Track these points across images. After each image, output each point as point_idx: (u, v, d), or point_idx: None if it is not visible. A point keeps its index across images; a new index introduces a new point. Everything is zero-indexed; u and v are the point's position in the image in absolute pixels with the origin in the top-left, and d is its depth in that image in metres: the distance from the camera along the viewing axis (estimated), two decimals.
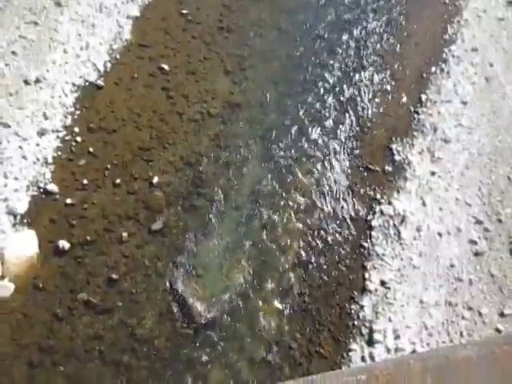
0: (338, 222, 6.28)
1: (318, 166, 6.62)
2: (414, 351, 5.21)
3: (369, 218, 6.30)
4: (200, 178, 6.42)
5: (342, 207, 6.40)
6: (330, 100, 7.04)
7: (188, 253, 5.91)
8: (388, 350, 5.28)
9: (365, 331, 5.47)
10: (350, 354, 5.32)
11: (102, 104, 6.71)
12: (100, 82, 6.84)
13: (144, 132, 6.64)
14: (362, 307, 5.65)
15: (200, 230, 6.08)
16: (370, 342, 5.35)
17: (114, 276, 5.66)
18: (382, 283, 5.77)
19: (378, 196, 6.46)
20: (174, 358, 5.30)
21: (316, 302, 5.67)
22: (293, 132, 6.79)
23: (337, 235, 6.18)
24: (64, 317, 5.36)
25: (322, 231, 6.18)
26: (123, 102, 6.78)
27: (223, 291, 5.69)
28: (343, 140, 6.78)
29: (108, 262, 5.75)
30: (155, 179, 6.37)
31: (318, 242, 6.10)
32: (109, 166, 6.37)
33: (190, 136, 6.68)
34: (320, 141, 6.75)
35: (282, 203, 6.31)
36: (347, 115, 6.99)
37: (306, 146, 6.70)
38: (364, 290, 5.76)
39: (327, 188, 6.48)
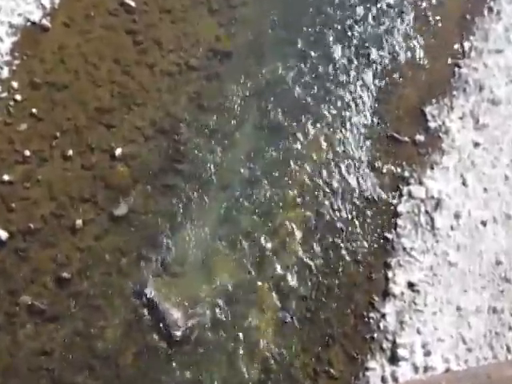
0: (354, 206, 6.27)
1: (330, 134, 6.57)
2: (447, 370, 5.27)
3: (394, 201, 6.31)
4: (177, 149, 6.36)
5: (360, 188, 6.36)
6: (345, 47, 6.95)
7: (161, 245, 5.88)
8: (415, 369, 5.34)
9: (386, 346, 5.52)
10: (368, 373, 5.37)
11: (49, 51, 6.56)
12: (46, 23, 6.69)
13: (103, 89, 6.55)
14: (383, 316, 5.69)
15: (176, 216, 6.03)
16: (393, 360, 5.42)
17: (66, 275, 5.65)
18: (410, 285, 5.80)
19: (407, 174, 6.44)
20: (143, 379, 5.31)
21: (325, 309, 5.69)
22: (296, 89, 6.70)
23: (352, 223, 6.17)
24: (1, 326, 5.33)
25: (333, 218, 6.17)
26: (76, 48, 6.65)
27: (206, 295, 5.69)
28: (362, 100, 6.68)
29: (58, 257, 5.71)
30: (118, 151, 6.30)
31: (327, 232, 6.10)
32: (58, 134, 6.28)
33: (164, 94, 6.60)
34: (332, 101, 6.68)
35: (283, 182, 6.27)
36: (368, 67, 6.90)
37: (312, 106, 6.62)
38: (386, 294, 5.78)
39: (341, 163, 6.47)
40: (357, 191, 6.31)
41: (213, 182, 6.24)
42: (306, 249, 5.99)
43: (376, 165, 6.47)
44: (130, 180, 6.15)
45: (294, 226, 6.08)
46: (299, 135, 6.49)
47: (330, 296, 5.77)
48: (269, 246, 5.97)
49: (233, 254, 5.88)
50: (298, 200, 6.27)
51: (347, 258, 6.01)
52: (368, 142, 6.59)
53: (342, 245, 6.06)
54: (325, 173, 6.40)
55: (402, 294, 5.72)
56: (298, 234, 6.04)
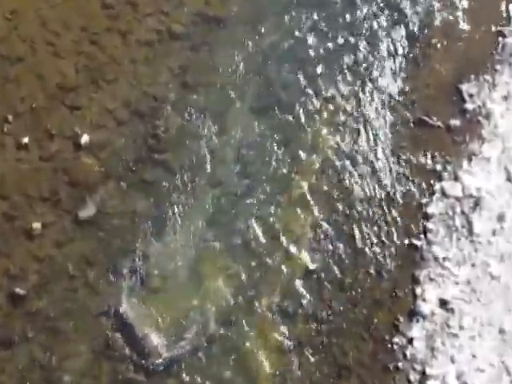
0: (375, 206, 6.08)
1: (343, 117, 6.39)
2: None
3: (423, 201, 6.10)
4: (156, 135, 6.22)
5: (381, 184, 6.17)
6: (364, 8, 6.77)
7: (137, 254, 5.73)
8: None
9: (414, 378, 5.36)
10: None
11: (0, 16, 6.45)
12: None
13: (67, 62, 6.37)
14: (410, 341, 5.51)
15: (156, 218, 5.89)
16: None
17: (20, 290, 5.47)
18: (442, 303, 5.66)
19: (439, 167, 6.25)
20: None
21: (338, 333, 5.52)
22: (302, 62, 6.55)
23: (372, 228, 5.99)
24: None
25: (348, 222, 5.98)
26: (34, 12, 6.49)
27: (194, 315, 5.53)
28: (385, 74, 6.51)
29: (10, 269, 5.53)
30: (84, 138, 6.12)
31: (341, 238, 5.94)
32: (10, 117, 6.10)
33: (141, 68, 6.43)
34: (347, 76, 6.50)
35: (288, 177, 6.15)
36: (392, 34, 6.70)
37: (322, 83, 6.43)
38: (414, 314, 5.61)
39: (356, 153, 6.30)
40: (377, 189, 6.10)
41: (201, 176, 6.09)
42: (316, 258, 5.82)
43: (401, 155, 6.27)
44: (98, 174, 6.01)
45: (301, 231, 5.92)
46: (304, 120, 6.31)
47: (345, 316, 5.58)
48: (271, 254, 5.79)
49: (227, 265, 5.75)
50: (306, 199, 6.08)
51: (366, 269, 5.81)
52: (391, 127, 6.39)
53: (359, 254, 5.86)
54: (337, 167, 6.21)
55: (433, 313, 5.58)
56: (307, 240, 5.90)
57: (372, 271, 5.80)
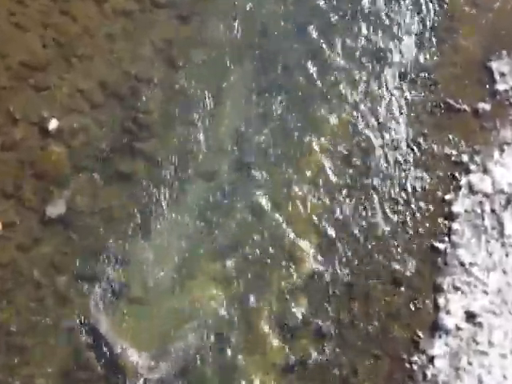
0: (391, 204, 5.98)
1: (354, 97, 6.28)
2: None
3: (447, 197, 6.01)
4: (136, 120, 6.08)
5: (400, 177, 6.07)
6: None
7: (114, 259, 5.61)
8: None
9: None
10: None
11: None
12: None
13: (32, 35, 6.25)
14: (431, 359, 5.42)
15: (136, 217, 5.77)
16: None
17: None
18: (469, 316, 5.56)
19: (465, 158, 6.17)
20: None
21: (348, 350, 5.44)
22: (308, 31, 6.44)
23: (388, 229, 5.87)
24: None
25: (359, 220, 5.88)
26: None
27: (180, 331, 5.43)
28: (403, 49, 6.40)
29: None
30: (53, 124, 6.01)
31: (352, 240, 5.83)
32: None
33: (119, 42, 6.29)
34: (359, 47, 6.41)
35: (288, 170, 6.03)
36: (415, 4, 6.61)
37: (333, 60, 6.33)
38: (436, 329, 5.52)
39: (372, 141, 6.19)
40: (394, 182, 6.01)
41: (190, 168, 5.94)
42: (324, 262, 5.75)
43: (422, 144, 6.18)
44: (69, 166, 5.86)
45: (306, 228, 5.85)
46: (318, 103, 6.21)
47: (355, 330, 5.50)
48: (270, 258, 5.75)
49: (219, 270, 5.65)
50: (312, 193, 6.01)
51: (381, 276, 5.69)
52: (411, 111, 6.30)
53: (374, 258, 5.75)
54: (350, 155, 6.09)
55: (458, 328, 5.50)
56: (312, 239, 5.84)
57: (387, 278, 5.68)
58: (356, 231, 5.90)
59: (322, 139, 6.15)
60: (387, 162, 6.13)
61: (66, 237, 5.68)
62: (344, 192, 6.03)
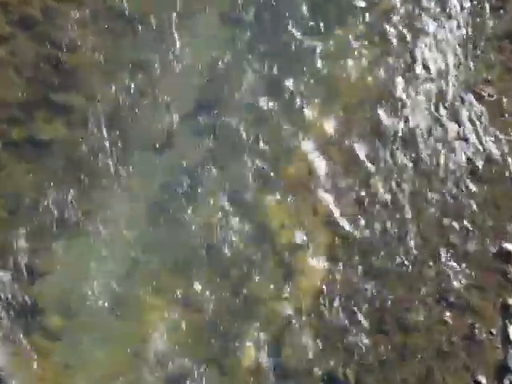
0: (441, 187, 4.86)
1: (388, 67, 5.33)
2: None
3: None
4: (57, 62, 5.00)
5: (452, 153, 5.03)
6: None
7: (20, 271, 4.60)
8: None
9: None
10: None
11: None
12: None
13: None
14: None
15: (55, 208, 4.75)
16: None
17: None
18: None
19: None
20: None
21: None
22: None
23: (434, 226, 4.78)
24: None
25: (392, 211, 4.83)
26: None
27: (122, 380, 4.46)
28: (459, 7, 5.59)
29: None
30: None
31: (379, 238, 4.75)
32: None
33: None
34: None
35: (286, 132, 5.05)
36: None
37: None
38: (505, 371, 4.59)
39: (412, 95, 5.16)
40: (448, 160, 4.98)
41: (137, 135, 4.91)
42: (335, 270, 4.57)
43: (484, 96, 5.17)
44: None
45: (309, 221, 4.78)
46: (316, 42, 5.41)
47: (387, 373, 4.45)
48: (255, 265, 4.63)
49: (184, 285, 4.57)
50: (316, 173, 4.90)
51: (423, 295, 4.55)
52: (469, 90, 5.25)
53: (411, 268, 4.62)
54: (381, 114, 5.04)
55: None
56: (318, 237, 4.70)
57: (434, 296, 4.53)
58: (386, 225, 4.69)
59: None
60: (435, 138, 4.91)
61: None
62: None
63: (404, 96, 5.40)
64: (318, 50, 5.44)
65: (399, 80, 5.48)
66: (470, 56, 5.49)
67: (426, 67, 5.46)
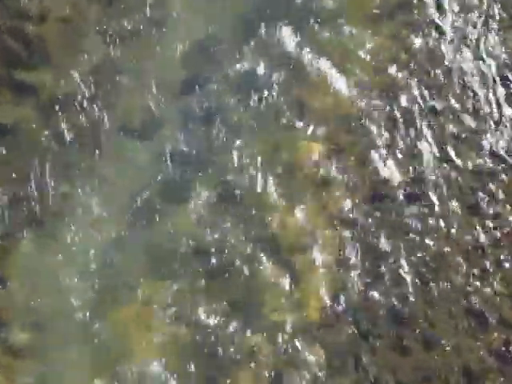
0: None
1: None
2: None
3: None
4: (24, 40, 4.48)
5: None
6: None
7: None
8: None
9: None
10: None
11: None
12: None
13: None
14: None
15: (12, 205, 4.20)
16: None
17: None
18: None
19: None
20: None
21: None
22: None
23: (463, 224, 4.21)
24: None
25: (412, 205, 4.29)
26: None
27: None
28: None
29: None
30: None
31: (396, 241, 4.17)
32: None
33: None
34: None
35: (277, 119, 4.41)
36: None
37: None
38: None
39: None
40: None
41: (115, 119, 4.32)
42: (341, 283, 4.00)
43: None
44: None
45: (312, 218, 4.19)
46: None
47: None
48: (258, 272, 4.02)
49: (164, 297, 3.93)
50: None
51: (448, 306, 3.95)
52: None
53: (437, 274, 4.01)
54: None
55: None
56: (328, 251, 4.11)
57: (460, 307, 3.88)
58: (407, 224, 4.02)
59: None
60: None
61: None
62: None
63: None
64: None
65: None
66: None
67: None
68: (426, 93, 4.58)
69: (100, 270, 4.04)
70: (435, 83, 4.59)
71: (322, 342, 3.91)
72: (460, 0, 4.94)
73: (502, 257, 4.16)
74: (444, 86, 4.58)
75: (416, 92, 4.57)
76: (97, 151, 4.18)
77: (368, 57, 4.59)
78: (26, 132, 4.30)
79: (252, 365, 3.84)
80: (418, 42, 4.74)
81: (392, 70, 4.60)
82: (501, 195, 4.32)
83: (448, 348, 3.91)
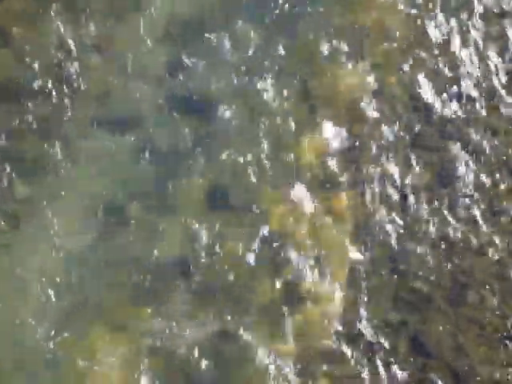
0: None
1: None
2: None
3: None
4: None
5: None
6: None
7: None
8: None
9: None
10: None
11: None
12: None
13: None
14: None
15: None
16: None
17: None
18: None
19: None
20: None
21: None
22: None
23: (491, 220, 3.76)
24: None
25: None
26: None
27: None
28: None
29: None
30: None
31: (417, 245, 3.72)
32: None
33: None
34: None
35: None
36: None
37: None
38: None
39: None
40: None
41: (92, 109, 3.73)
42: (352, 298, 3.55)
43: None
44: None
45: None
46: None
47: None
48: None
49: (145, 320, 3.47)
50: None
51: (478, 330, 3.50)
52: None
53: (461, 291, 3.57)
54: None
55: None
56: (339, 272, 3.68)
57: (493, 331, 3.42)
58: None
59: None
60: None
61: None
62: None
63: None
64: None
65: None
66: None
67: None
68: None
69: (70, 282, 3.42)
70: None
71: (330, 374, 3.32)
72: None
73: None
74: None
75: None
76: (72, 146, 3.53)
77: None
78: None
79: None
80: None
81: None
82: None
83: (482, 379, 3.37)
